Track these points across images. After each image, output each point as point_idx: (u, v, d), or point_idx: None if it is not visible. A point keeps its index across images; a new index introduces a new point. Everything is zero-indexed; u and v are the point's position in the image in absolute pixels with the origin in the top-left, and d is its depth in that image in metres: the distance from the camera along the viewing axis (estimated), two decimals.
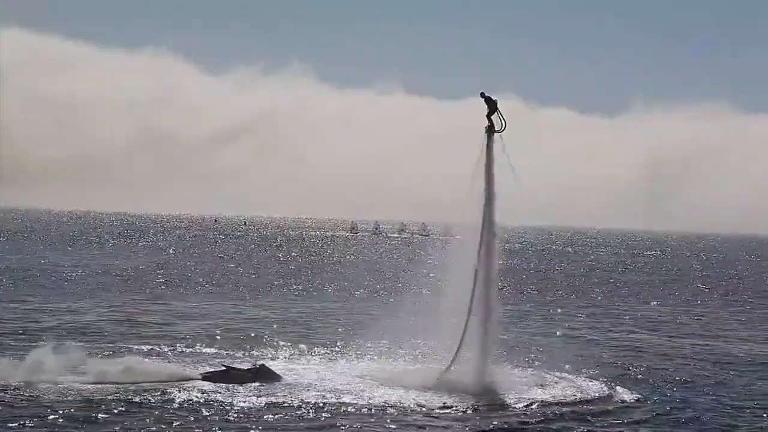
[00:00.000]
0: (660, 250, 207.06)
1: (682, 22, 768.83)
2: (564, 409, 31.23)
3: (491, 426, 29.12)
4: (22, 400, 29.81)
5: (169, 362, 36.75)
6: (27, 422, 27.35)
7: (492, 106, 35.11)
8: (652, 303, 73.42)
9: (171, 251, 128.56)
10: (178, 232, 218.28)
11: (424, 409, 30.70)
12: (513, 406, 31.61)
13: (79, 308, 54.91)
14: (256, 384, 33.16)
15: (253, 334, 45.65)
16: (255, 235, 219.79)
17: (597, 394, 33.83)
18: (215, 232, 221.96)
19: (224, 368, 34.81)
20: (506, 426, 29.23)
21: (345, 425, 28.42)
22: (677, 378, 37.95)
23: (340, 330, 48.19)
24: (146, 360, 36.40)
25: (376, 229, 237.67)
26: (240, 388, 32.54)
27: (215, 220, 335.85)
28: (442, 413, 30.37)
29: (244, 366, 35.35)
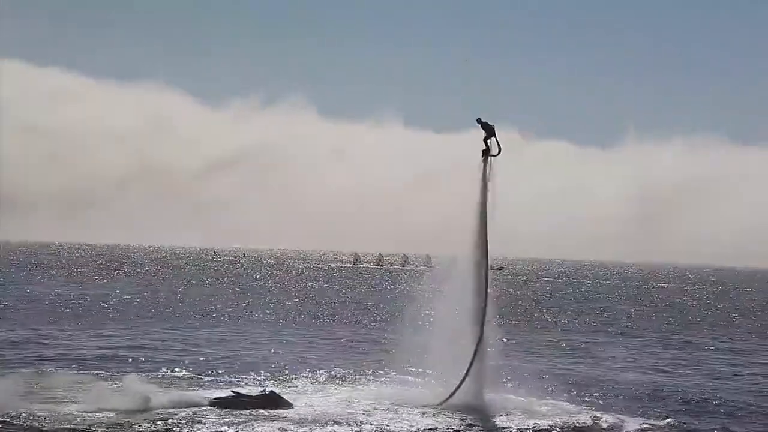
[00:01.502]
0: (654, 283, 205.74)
1: (673, 54, 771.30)
2: None
3: None
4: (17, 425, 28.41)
5: (177, 388, 35.24)
6: None
7: (489, 131, 34.42)
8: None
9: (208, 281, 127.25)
10: (210, 264, 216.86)
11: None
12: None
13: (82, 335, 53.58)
14: (265, 410, 31.57)
15: (263, 362, 44.25)
16: (260, 267, 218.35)
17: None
18: (230, 264, 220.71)
19: (233, 394, 33.33)
20: None
21: None
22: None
23: (350, 357, 46.81)
24: (153, 385, 34.82)
25: (405, 261, 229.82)
26: (249, 414, 31.01)
27: (244, 255, 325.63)
28: None
29: (253, 392, 33.81)
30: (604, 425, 31.89)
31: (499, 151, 34.23)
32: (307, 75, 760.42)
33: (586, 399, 36.47)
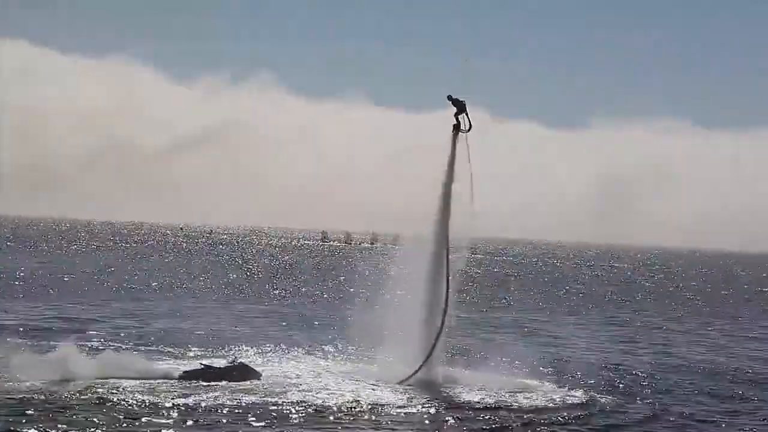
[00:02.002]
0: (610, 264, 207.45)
1: (641, 39, 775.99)
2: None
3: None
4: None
5: (146, 360, 35.31)
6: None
7: (460, 107, 34.48)
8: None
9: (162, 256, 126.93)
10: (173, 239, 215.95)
11: (393, 406, 29.89)
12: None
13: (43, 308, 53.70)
14: (235, 381, 31.90)
15: (234, 334, 44.55)
16: (228, 243, 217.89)
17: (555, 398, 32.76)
18: (188, 240, 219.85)
19: (202, 366, 33.60)
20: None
21: (321, 420, 27.50)
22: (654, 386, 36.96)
23: (319, 330, 47.30)
24: (124, 356, 35.05)
25: (375, 239, 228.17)
26: (218, 384, 31.33)
27: (210, 232, 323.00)
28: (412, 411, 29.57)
29: (222, 364, 34.18)
30: (557, 398, 32.53)
31: (470, 128, 34.21)
32: (277, 52, 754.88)
33: (543, 374, 37.08)
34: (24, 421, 25.62)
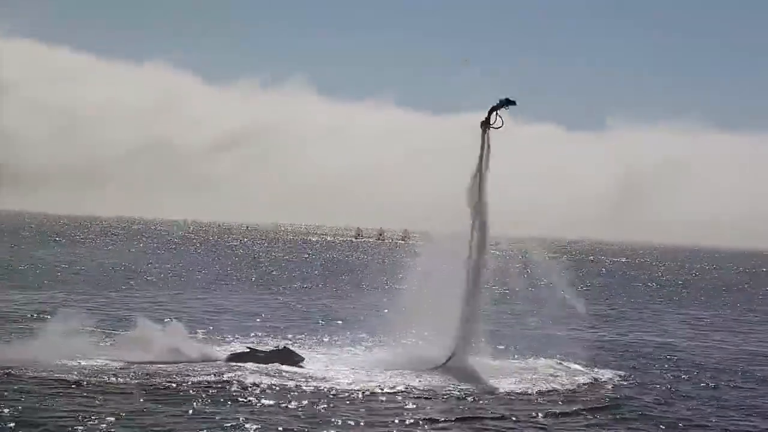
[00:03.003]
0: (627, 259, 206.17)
1: (659, 39, 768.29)
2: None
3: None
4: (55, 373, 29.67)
5: (197, 343, 36.46)
6: (54, 396, 26.80)
7: (500, 105, 34.35)
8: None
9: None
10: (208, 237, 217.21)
11: (427, 392, 30.46)
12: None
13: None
14: (279, 364, 32.89)
15: (281, 323, 45.57)
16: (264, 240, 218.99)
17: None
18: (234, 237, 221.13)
19: (248, 349, 34.75)
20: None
21: (357, 402, 28.24)
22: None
23: (361, 320, 47.54)
24: (176, 338, 35.83)
25: (406, 235, 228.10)
26: (263, 367, 32.28)
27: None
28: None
29: (268, 348, 35.20)
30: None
31: (501, 125, 34.20)
32: (311, 55, 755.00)
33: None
34: (80, 402, 26.53)
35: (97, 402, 26.34)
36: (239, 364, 32.83)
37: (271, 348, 35.11)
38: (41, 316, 43.32)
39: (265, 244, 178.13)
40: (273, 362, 33.30)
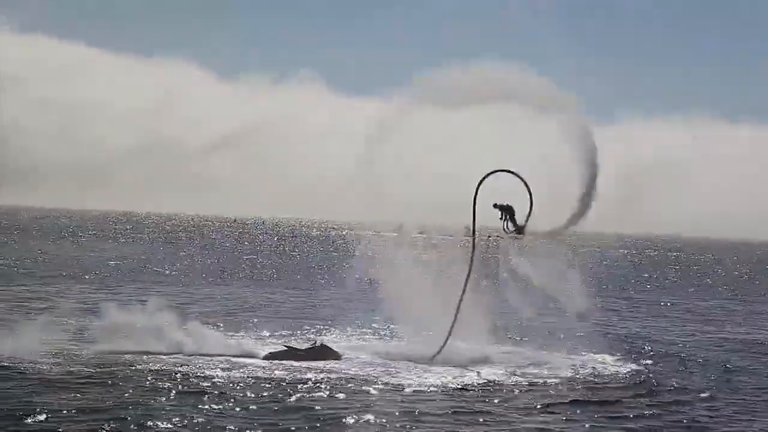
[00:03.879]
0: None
1: (661, 34, 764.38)
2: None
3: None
4: (100, 366, 29.26)
5: (234, 340, 35.77)
6: (105, 392, 26.22)
7: (509, 212, 33.94)
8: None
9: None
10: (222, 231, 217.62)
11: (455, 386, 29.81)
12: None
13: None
14: (317, 362, 32.23)
15: (312, 317, 44.94)
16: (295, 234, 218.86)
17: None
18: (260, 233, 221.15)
19: (286, 347, 33.99)
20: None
21: (401, 399, 27.41)
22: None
23: (398, 314, 46.95)
24: (212, 334, 35.56)
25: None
26: (300, 365, 31.58)
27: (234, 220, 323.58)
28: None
29: (305, 345, 34.45)
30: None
31: (519, 231, 33.68)
32: (318, 51, 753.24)
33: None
34: (114, 392, 26.01)
35: (133, 396, 25.72)
36: (280, 362, 32.12)
37: (309, 345, 34.28)
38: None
39: (316, 242, 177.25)
40: (312, 360, 32.58)
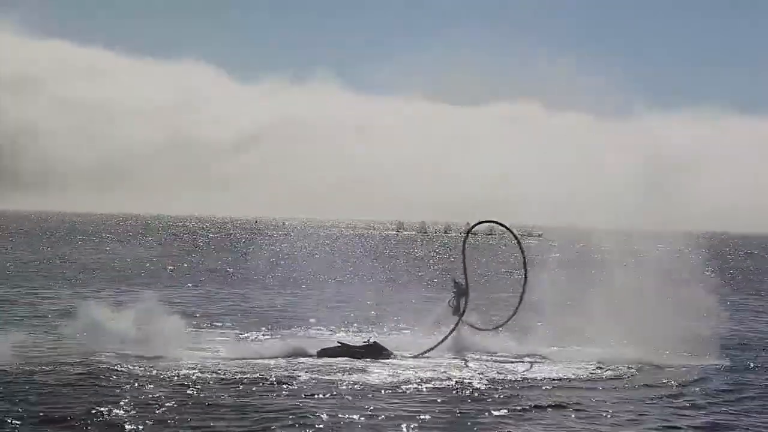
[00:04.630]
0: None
1: (679, 27, 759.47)
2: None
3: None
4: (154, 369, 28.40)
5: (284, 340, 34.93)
6: (155, 394, 25.35)
7: (461, 292, 34.19)
8: None
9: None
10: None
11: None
12: None
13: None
14: (369, 359, 31.48)
15: (363, 314, 44.23)
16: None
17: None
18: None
19: (339, 344, 33.12)
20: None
21: (454, 396, 26.61)
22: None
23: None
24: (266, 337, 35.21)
25: (448, 228, 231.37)
26: (354, 363, 30.82)
27: (255, 222, 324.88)
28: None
29: (358, 342, 33.56)
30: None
31: (462, 312, 33.86)
32: (336, 50, 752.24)
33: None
34: (177, 395, 25.19)
35: (196, 395, 24.95)
36: (333, 359, 31.30)
37: (361, 342, 33.40)
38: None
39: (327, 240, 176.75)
40: (362, 357, 31.84)
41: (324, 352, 32.19)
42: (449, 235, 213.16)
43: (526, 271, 35.03)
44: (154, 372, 28.05)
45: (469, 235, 35.75)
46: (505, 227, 34.05)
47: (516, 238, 34.19)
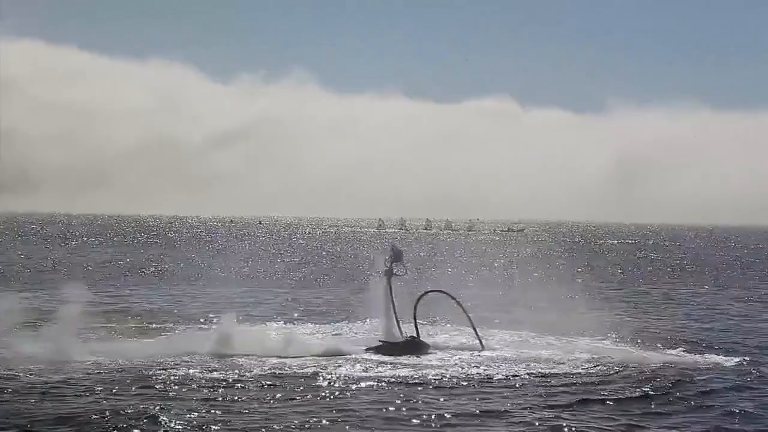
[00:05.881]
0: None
1: (652, 22, 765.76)
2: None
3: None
4: (208, 370, 29.08)
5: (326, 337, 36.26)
6: (207, 391, 26.12)
7: (398, 256, 35.40)
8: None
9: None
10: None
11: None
12: None
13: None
14: (410, 355, 32.56)
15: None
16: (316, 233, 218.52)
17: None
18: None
19: (380, 342, 34.08)
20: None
21: (487, 388, 27.62)
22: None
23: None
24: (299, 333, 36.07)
25: (428, 225, 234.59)
26: (398, 359, 31.85)
27: (260, 222, 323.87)
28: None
29: (399, 338, 34.41)
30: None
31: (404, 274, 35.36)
32: (310, 49, 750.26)
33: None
34: (229, 394, 25.90)
35: (237, 398, 25.52)
36: (379, 357, 32.38)
37: (403, 338, 34.38)
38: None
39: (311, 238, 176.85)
40: (407, 353, 32.88)
41: (371, 349, 33.25)
42: (429, 231, 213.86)
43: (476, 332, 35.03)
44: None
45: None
46: (455, 300, 35.56)
47: (461, 306, 35.44)
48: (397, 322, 34.84)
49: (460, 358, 32.36)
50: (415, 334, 34.63)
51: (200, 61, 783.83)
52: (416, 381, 28.33)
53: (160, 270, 76.35)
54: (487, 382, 28.47)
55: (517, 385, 28.01)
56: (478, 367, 30.74)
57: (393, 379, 28.48)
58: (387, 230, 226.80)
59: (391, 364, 31.11)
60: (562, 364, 31.36)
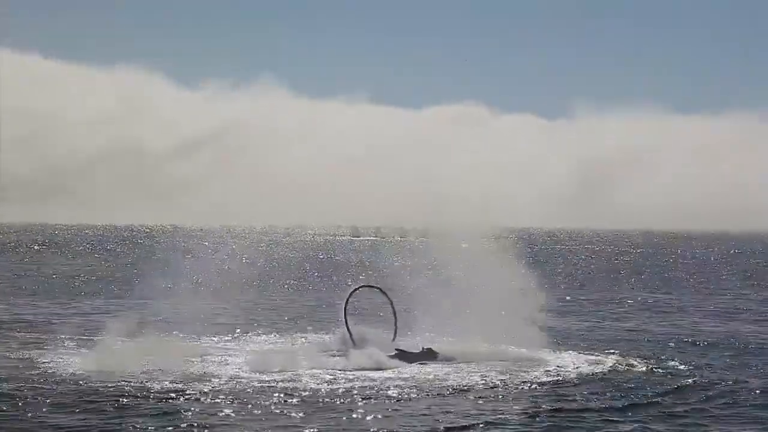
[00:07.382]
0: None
1: (617, 27, 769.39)
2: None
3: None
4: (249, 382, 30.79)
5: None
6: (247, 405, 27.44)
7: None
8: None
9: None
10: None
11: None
12: None
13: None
14: (426, 363, 34.65)
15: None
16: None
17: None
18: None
19: (397, 351, 35.87)
20: None
21: (500, 395, 29.52)
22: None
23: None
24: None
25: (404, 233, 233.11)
26: (414, 367, 34.15)
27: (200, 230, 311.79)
28: None
29: (414, 348, 36.24)
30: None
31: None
32: (280, 54, 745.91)
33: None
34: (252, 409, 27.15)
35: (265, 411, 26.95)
36: (399, 366, 34.41)
37: (417, 350, 36.12)
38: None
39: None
40: (419, 361, 35.01)
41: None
42: (406, 239, 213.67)
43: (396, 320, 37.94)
44: None
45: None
46: (385, 294, 38.23)
47: (390, 300, 37.98)
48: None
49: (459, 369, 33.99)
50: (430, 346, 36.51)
51: (167, 66, 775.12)
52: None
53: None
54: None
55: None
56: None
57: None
58: (360, 238, 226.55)
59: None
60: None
